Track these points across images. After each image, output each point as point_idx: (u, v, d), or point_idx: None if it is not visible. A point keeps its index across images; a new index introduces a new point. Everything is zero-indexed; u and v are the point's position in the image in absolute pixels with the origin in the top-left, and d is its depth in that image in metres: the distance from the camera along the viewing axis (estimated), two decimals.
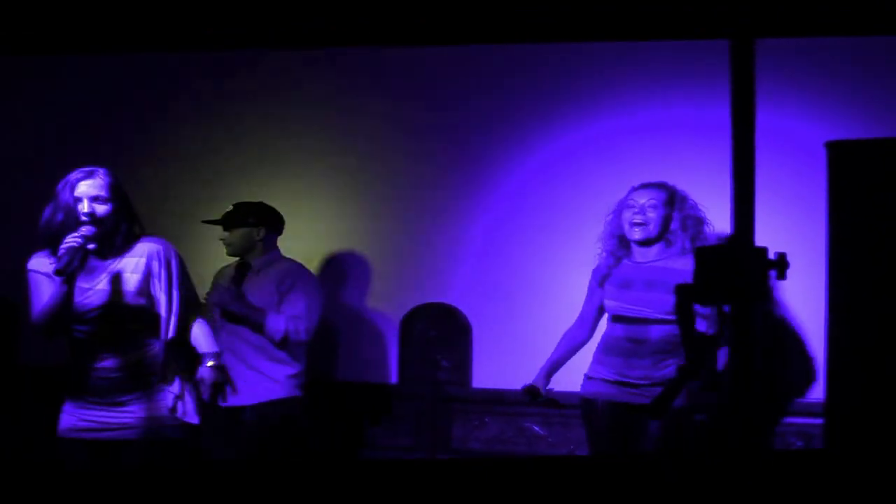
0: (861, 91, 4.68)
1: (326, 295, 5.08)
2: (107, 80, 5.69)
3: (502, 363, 5.10)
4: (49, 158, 5.39)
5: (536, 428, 5.09)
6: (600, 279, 4.33)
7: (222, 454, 4.62)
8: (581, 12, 4.25)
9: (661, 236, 4.25)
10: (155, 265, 3.55)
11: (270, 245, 4.83)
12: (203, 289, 4.56)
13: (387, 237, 5.36)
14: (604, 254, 4.36)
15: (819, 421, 4.22)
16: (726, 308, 2.43)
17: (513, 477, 2.76)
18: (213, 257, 4.92)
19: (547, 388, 4.36)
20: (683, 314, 2.82)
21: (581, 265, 4.50)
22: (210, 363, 3.63)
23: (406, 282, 5.31)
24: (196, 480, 2.83)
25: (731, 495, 2.43)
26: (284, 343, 4.63)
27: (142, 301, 3.53)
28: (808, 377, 4.71)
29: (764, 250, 2.29)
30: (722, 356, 3.17)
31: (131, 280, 3.52)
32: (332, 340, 5.35)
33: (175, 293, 3.56)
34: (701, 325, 3.87)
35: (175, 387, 3.57)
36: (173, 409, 3.55)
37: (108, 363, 3.50)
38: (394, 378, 5.31)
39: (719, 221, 4.12)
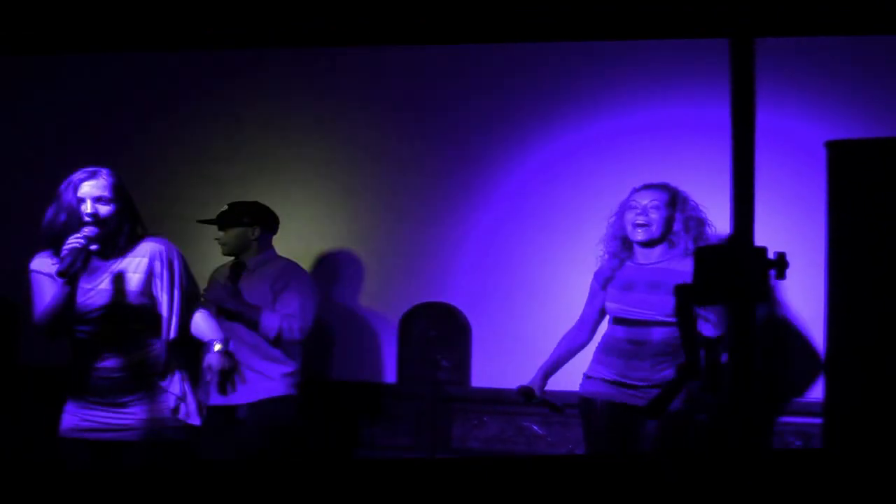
0: (861, 91, 4.68)
1: (326, 294, 5.08)
2: (107, 80, 5.69)
3: (502, 363, 5.10)
4: (49, 158, 5.39)
5: (536, 427, 5.09)
6: (603, 281, 4.29)
7: (217, 453, 4.60)
8: (581, 12, 4.25)
9: (664, 237, 4.23)
10: (157, 265, 3.54)
11: (265, 244, 4.82)
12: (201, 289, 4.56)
13: (387, 236, 5.35)
14: (606, 256, 4.31)
15: (818, 420, 4.23)
16: None
17: (512, 476, 2.76)
18: (213, 257, 4.92)
19: (543, 389, 4.35)
20: (683, 314, 2.83)
21: (581, 265, 4.50)
22: (217, 347, 3.53)
23: (406, 281, 5.31)
24: (193, 481, 2.83)
25: (731, 495, 2.43)
26: (278, 341, 4.63)
27: (144, 301, 3.52)
28: (808, 377, 4.71)
29: (764, 250, 2.29)
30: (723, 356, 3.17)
31: (133, 280, 3.51)
32: (332, 340, 5.35)
33: (177, 293, 3.54)
34: (705, 329, 3.89)
35: (177, 388, 3.55)
36: (175, 411, 3.54)
37: (110, 363, 3.49)
38: (393, 377, 5.31)
39: (719, 221, 4.12)
